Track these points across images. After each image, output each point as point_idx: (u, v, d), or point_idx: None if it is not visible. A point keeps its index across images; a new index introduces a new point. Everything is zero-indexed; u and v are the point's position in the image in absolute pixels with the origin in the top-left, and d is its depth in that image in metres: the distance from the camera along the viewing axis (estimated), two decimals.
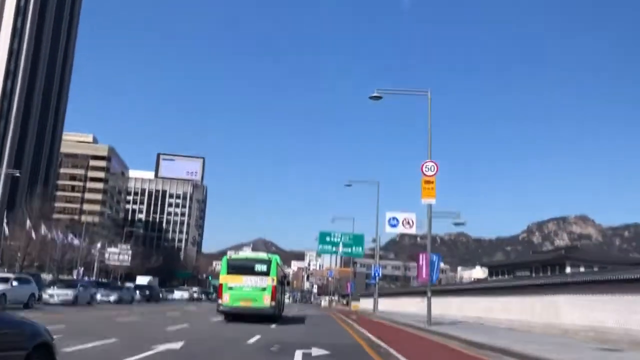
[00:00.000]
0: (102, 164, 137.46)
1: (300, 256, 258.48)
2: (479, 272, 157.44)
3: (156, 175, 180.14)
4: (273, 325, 18.80)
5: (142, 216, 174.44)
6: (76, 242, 60.93)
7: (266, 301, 19.80)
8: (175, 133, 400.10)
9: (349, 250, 42.62)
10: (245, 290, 19.84)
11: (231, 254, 23.08)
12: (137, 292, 39.00)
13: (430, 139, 21.67)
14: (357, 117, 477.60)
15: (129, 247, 64.31)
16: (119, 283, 50.75)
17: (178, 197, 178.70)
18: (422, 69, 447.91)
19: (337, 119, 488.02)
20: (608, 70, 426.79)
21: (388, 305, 57.80)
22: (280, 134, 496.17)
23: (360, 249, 42.54)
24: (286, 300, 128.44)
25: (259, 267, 20.38)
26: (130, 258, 63.23)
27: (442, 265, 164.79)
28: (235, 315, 20.25)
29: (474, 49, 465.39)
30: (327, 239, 42.69)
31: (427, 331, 18.27)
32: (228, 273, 20.34)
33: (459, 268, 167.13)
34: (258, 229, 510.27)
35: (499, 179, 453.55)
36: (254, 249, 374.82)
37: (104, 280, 58.38)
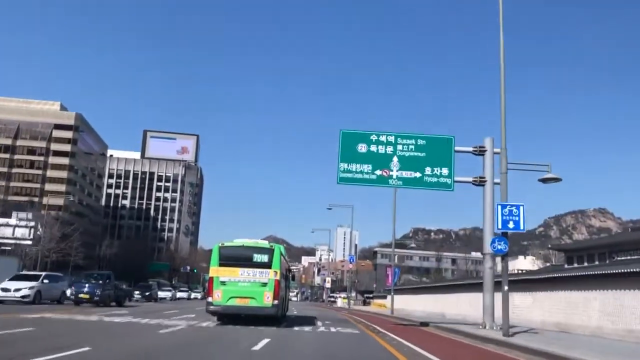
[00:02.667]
0: (68, 134, 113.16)
1: (311, 253, 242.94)
2: (524, 263, 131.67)
3: (142, 155, 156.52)
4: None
5: (127, 202, 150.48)
6: None
7: (267, 299, 16.49)
8: (166, 114, 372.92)
9: (418, 175, 17.29)
10: (242, 286, 16.63)
11: (224, 241, 17.74)
12: None
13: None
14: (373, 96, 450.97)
15: (29, 216, 39.25)
16: None
17: (168, 179, 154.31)
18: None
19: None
20: (623, 62, 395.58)
21: (434, 304, 40.88)
22: (286, 121, 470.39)
23: (447, 171, 17.14)
24: (293, 298, 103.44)
25: (259, 258, 16.96)
26: (32, 234, 38.11)
27: (479, 254, 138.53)
28: (230, 317, 16.98)
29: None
30: (360, 147, 17.40)
31: None
32: (220, 264, 16.88)
33: (497, 259, 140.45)
34: (267, 225, 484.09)
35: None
36: None
37: None
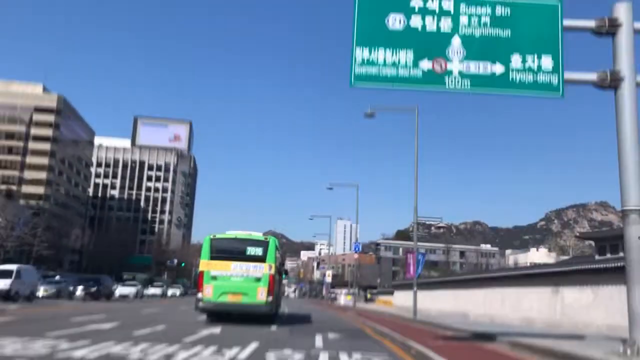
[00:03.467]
0: (50, 118, 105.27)
1: (310, 248, 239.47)
2: (538, 255, 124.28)
3: (133, 143, 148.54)
4: None
5: (116, 192, 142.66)
6: None
7: (261, 296, 15.31)
8: (158, 101, 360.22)
9: (499, 70, 9.37)
10: (234, 281, 15.42)
11: (215, 233, 16.76)
12: None
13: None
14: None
15: None
16: None
17: (159, 168, 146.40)
18: None
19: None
20: None
21: (453, 302, 36.22)
22: (285, 113, 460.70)
23: (551, 63, 9.35)
24: (291, 295, 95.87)
25: (253, 251, 15.85)
26: None
27: (489, 247, 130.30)
28: (220, 315, 15.92)
29: None
30: (393, 21, 9.46)
31: None
32: (211, 258, 15.74)
33: (508, 251, 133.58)
34: (266, 220, 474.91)
35: (516, 166, 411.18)
36: None
37: None
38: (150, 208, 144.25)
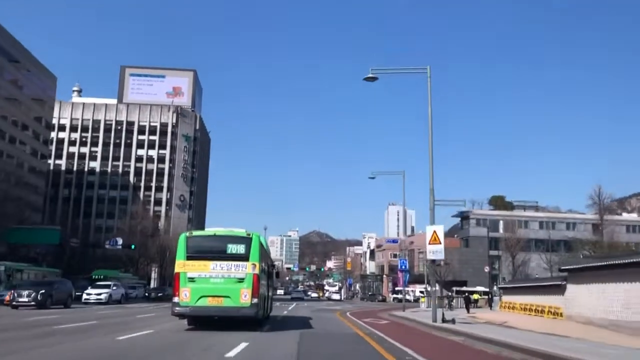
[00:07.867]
0: None
1: (356, 244, 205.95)
2: None
3: (120, 100, 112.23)
4: None
5: (97, 165, 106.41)
6: None
7: (244, 298, 14.43)
8: (152, 47, 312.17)
9: None
10: (214, 283, 14.54)
11: (192, 230, 17.06)
12: None
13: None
14: None
15: None
16: None
17: (153, 132, 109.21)
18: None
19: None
20: None
21: None
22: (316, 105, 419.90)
23: None
24: (334, 296, 70.39)
25: (234, 248, 14.90)
26: None
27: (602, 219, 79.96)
28: (201, 320, 15.52)
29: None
30: None
31: None
32: (188, 258, 14.74)
33: None
34: (309, 219, 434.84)
35: (567, 154, 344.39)
36: (307, 241, 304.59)
37: None
38: (142, 184, 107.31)
